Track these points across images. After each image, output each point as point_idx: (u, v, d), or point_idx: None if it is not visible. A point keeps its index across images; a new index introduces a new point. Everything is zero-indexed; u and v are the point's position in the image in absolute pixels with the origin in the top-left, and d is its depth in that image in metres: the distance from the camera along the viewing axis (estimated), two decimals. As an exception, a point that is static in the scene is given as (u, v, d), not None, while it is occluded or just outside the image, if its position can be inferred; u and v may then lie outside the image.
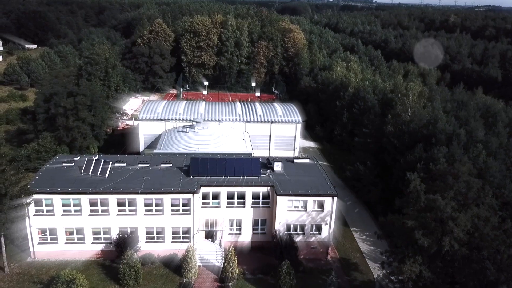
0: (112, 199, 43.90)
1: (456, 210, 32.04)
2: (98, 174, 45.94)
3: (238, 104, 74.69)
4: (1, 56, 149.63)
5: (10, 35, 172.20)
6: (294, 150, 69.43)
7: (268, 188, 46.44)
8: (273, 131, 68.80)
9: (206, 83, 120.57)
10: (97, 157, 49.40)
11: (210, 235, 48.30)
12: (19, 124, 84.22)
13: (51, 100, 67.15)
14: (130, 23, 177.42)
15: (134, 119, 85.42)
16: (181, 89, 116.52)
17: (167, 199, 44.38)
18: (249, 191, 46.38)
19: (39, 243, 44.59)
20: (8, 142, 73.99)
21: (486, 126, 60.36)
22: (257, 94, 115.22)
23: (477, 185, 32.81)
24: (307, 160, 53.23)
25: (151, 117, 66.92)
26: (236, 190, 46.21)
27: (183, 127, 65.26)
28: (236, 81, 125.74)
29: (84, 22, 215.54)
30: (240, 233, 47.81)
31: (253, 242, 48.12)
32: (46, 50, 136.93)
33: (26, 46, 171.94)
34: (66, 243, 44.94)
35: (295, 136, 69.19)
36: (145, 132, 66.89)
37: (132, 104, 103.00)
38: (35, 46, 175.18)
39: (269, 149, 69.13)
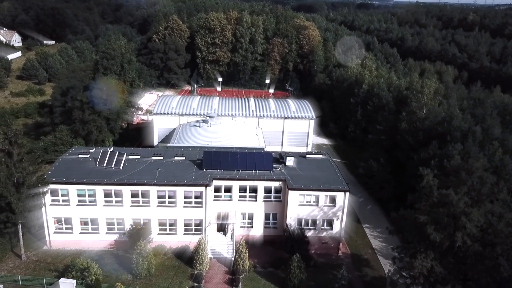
0: (126, 190, 44.56)
1: (470, 205, 31.67)
2: (112, 166, 46.65)
3: (251, 99, 74.87)
4: (20, 52, 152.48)
5: (29, 31, 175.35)
6: (307, 146, 69.35)
7: (280, 182, 46.55)
8: (286, 127, 68.82)
9: (220, 79, 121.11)
10: (112, 149, 50.15)
11: (221, 228, 48.66)
12: (36, 117, 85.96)
13: (67, 94, 68.35)
14: (146, 20, 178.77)
15: (149, 114, 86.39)
16: (195, 85, 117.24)
17: (180, 191, 44.83)
18: (261, 185, 46.57)
19: (54, 232, 45.56)
20: (26, 134, 75.48)
21: (503, 125, 59.37)
22: (271, 91, 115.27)
23: (491, 181, 32.38)
24: (320, 156, 53.15)
25: (165, 112, 67.60)
26: (248, 183, 46.45)
27: (197, 121, 65.71)
28: (250, 78, 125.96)
29: (101, 19, 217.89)
30: (251, 227, 48.06)
31: (265, 236, 48.32)
32: (64, 45, 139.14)
33: (44, 42, 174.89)
34: (81, 232, 45.82)
35: (308, 132, 69.11)
36: (159, 126, 67.60)
37: (147, 99, 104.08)
38: (53, 42, 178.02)
39: (282, 145, 69.19)
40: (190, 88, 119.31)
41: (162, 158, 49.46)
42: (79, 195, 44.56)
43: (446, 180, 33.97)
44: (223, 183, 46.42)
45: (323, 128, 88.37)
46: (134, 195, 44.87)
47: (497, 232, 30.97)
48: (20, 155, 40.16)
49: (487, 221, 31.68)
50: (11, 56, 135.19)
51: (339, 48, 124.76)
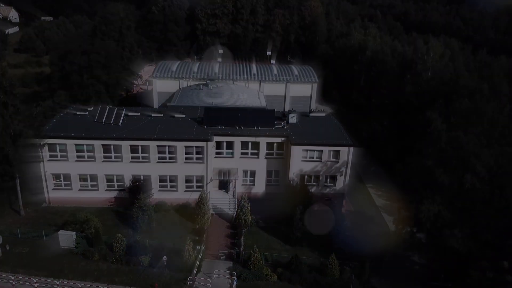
0: (125, 145, 43.60)
1: (479, 147, 30.66)
2: (111, 122, 45.65)
3: (253, 65, 73.47)
4: (17, 27, 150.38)
5: (26, 7, 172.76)
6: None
7: (283, 138, 45.55)
8: (289, 91, 67.58)
9: (220, 51, 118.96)
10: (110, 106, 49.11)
11: (223, 186, 47.88)
12: (35, 87, 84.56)
13: (65, 59, 66.86)
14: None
15: (148, 84, 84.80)
16: (195, 57, 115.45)
17: (180, 146, 43.87)
18: (263, 141, 45.63)
19: (53, 189, 44.79)
20: (24, 102, 74.16)
21: (511, 86, 57.92)
22: (273, 61, 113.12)
23: (503, 122, 31.30)
24: (323, 114, 52.07)
25: (165, 75, 66.35)
26: (250, 140, 45.45)
27: (197, 85, 64.36)
28: (251, 50, 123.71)
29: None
30: (253, 184, 47.31)
31: (267, 193, 47.56)
32: (62, 19, 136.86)
33: (42, 18, 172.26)
34: (80, 189, 45.03)
35: (311, 96, 67.91)
36: (159, 90, 66.49)
37: (146, 71, 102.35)
38: (51, 18, 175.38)
39: (284, 110, 67.80)
40: (190, 60, 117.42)
41: (162, 115, 48.42)
42: (77, 151, 43.60)
43: (456, 124, 32.89)
44: (225, 139, 45.47)
45: (326, 96, 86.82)
46: (133, 150, 43.93)
47: (507, 174, 30.01)
48: (16, 106, 39.15)
49: (496, 163, 30.70)
50: (8, 31, 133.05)
51: (342, 19, 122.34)
